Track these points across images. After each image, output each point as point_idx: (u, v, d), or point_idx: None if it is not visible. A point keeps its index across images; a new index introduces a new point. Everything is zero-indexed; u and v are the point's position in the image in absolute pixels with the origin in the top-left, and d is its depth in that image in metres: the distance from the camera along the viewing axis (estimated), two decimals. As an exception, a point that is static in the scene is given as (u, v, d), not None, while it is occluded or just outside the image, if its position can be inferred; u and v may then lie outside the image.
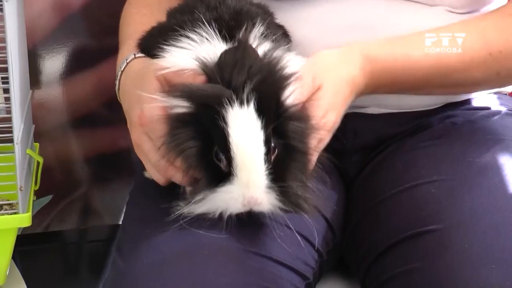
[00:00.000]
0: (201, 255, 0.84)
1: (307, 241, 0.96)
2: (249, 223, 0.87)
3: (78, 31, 1.56)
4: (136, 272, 0.84)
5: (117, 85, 1.03)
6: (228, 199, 0.82)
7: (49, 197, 1.66)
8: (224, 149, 0.81)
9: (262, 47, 0.85)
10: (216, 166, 0.82)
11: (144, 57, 0.99)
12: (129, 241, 0.93)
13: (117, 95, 1.03)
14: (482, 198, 0.91)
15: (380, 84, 0.99)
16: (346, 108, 0.96)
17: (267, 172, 0.82)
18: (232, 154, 0.81)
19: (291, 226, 0.90)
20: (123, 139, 1.65)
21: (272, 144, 0.82)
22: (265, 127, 0.81)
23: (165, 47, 0.87)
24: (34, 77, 1.50)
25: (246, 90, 0.79)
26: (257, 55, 0.83)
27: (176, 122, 0.83)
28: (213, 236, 0.85)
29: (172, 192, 0.90)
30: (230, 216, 0.84)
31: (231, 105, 0.80)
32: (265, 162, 0.81)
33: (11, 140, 0.97)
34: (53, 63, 1.56)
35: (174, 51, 0.86)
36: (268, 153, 0.82)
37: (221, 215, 0.84)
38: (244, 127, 0.81)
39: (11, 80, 0.94)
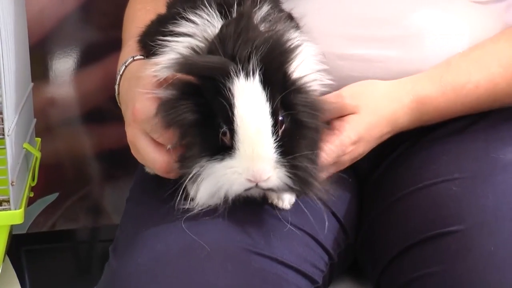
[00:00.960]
0: (199, 254, 0.81)
1: (316, 241, 0.93)
2: (251, 219, 0.85)
3: (85, 24, 1.54)
4: (129, 272, 0.81)
5: (116, 90, 1.01)
6: (231, 174, 0.79)
7: (55, 194, 1.63)
8: (227, 121, 0.79)
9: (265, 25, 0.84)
10: (215, 141, 0.80)
11: (143, 58, 0.97)
12: (125, 240, 0.90)
13: (117, 100, 1.02)
14: (507, 197, 0.87)
15: (426, 119, 0.99)
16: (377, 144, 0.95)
17: (274, 145, 0.79)
18: (236, 126, 0.79)
19: (299, 225, 0.88)
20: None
21: (280, 117, 0.80)
22: (272, 99, 0.79)
23: (164, 38, 0.86)
24: (40, 71, 1.50)
25: (252, 62, 0.78)
26: (259, 28, 0.81)
27: (176, 93, 0.80)
28: (212, 234, 0.82)
29: (173, 187, 0.86)
30: (233, 198, 0.81)
31: (237, 77, 0.78)
32: (272, 134, 0.79)
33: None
34: (60, 57, 1.55)
35: (172, 43, 0.85)
36: (275, 126, 0.79)
37: (224, 204, 0.81)
38: (249, 98, 0.79)
39: (1, 71, 0.92)
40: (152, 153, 0.87)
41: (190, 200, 0.83)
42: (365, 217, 1.03)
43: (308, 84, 0.84)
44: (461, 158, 0.96)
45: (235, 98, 0.78)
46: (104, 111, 1.63)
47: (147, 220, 0.88)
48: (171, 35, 0.86)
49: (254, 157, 0.79)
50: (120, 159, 1.65)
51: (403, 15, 1.00)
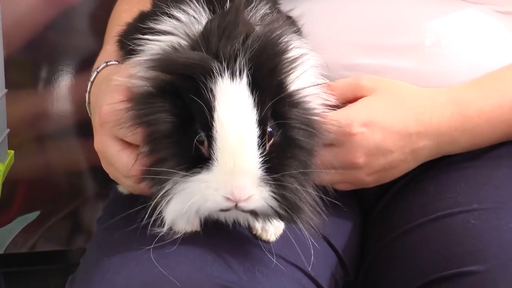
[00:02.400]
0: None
1: (309, 277, 0.84)
2: (232, 249, 0.78)
3: (71, 30, 1.45)
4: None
5: (87, 98, 0.95)
6: (205, 189, 0.70)
7: (37, 213, 1.54)
8: (205, 127, 0.70)
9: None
10: (190, 150, 0.71)
11: (118, 63, 0.92)
12: (84, 271, 0.83)
13: (88, 110, 0.96)
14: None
15: (471, 128, 0.90)
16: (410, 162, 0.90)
17: (260, 159, 0.71)
18: (215, 133, 0.70)
19: (288, 257, 0.81)
20: None
21: (269, 129, 0.71)
22: (260, 105, 0.71)
23: (143, 36, 0.79)
24: (22, 79, 1.44)
25: (239, 61, 0.70)
26: (251, 23, 0.74)
27: (151, 89, 0.73)
28: (185, 266, 0.75)
29: (144, 208, 0.76)
30: (208, 221, 0.74)
31: (220, 76, 0.70)
32: (258, 146, 0.70)
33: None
34: (44, 65, 1.46)
35: (151, 42, 0.78)
36: (262, 137, 0.71)
37: (197, 227, 0.75)
38: (233, 101, 0.70)
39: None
40: (124, 157, 0.79)
41: (163, 224, 0.75)
42: (368, 252, 0.94)
43: (307, 99, 0.76)
44: (481, 186, 0.88)
45: (216, 100, 0.70)
46: (89, 124, 1.50)
47: (112, 248, 0.80)
48: (151, 33, 0.78)
49: (235, 170, 0.70)
50: (107, 176, 1.55)
51: (418, 21, 0.94)
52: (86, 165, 1.54)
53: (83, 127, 1.49)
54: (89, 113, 0.96)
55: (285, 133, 0.73)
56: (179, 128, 0.72)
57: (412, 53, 0.93)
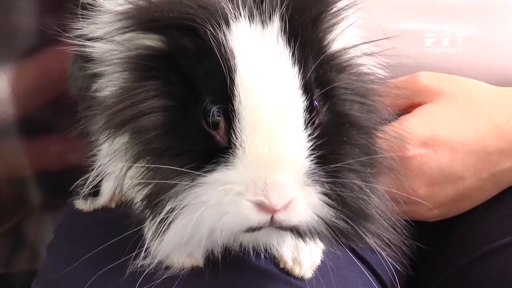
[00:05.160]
0: None
1: None
2: None
3: (13, 7, 1.27)
4: None
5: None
6: (223, 196, 0.54)
7: None
8: (221, 98, 0.55)
9: None
10: (199, 140, 0.56)
11: None
12: None
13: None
14: None
15: None
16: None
17: (307, 144, 0.54)
18: (238, 105, 0.54)
19: None
20: (74, 152, 1.32)
21: (315, 103, 0.56)
22: (303, 64, 0.56)
23: None
24: None
25: (267, 1, 0.56)
26: None
27: (128, 76, 0.59)
28: None
29: (118, 232, 0.60)
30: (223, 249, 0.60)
31: (238, 21, 0.55)
32: (305, 125, 0.55)
33: None
34: None
35: None
36: (311, 113, 0.55)
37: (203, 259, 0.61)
38: (262, 58, 0.55)
39: None
40: None
41: (146, 254, 0.59)
42: (432, 274, 0.79)
43: (356, 62, 0.62)
44: None
45: (236, 57, 0.54)
46: (39, 120, 1.35)
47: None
48: None
49: (271, 160, 0.52)
50: (60, 183, 1.38)
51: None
52: (31, 170, 1.36)
53: (27, 125, 1.33)
54: None
55: (333, 108, 0.58)
56: (178, 114, 0.57)
57: (471, 16, 0.83)
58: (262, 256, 0.65)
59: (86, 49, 0.63)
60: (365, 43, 0.63)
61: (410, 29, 0.83)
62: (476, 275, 0.74)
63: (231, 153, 0.54)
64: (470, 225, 0.79)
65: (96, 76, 0.64)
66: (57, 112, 1.35)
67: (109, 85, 0.61)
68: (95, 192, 0.74)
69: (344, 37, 0.62)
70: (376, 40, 0.65)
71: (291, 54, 0.55)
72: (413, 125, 0.71)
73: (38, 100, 1.33)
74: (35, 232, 1.41)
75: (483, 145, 0.74)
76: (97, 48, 0.62)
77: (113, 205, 0.73)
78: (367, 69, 0.64)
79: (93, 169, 0.64)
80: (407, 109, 0.74)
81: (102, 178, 0.74)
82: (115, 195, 0.71)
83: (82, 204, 0.78)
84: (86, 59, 0.65)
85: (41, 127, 1.36)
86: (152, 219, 0.56)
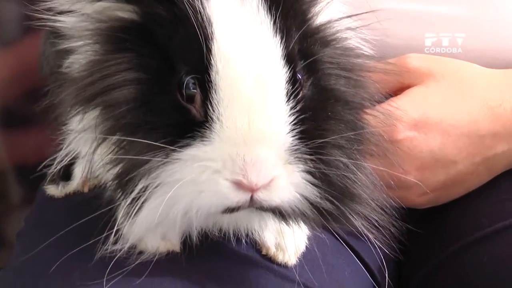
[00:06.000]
0: None
1: None
2: (230, 281, 0.60)
3: None
4: None
5: None
6: (199, 173, 0.51)
7: None
8: (198, 67, 0.52)
9: None
10: (173, 114, 0.53)
11: None
12: None
13: None
14: None
15: None
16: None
17: (289, 118, 0.52)
18: (214, 75, 0.51)
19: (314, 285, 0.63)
20: (52, 146, 1.33)
21: (299, 76, 0.54)
22: (285, 33, 0.53)
23: None
24: None
25: None
26: None
27: (99, 48, 0.56)
28: None
29: (90, 220, 0.57)
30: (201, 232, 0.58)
31: None
32: (287, 98, 0.52)
33: None
34: None
35: None
36: (293, 85, 0.53)
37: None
38: (242, 25, 0.52)
39: None
40: None
41: (121, 241, 0.56)
42: (422, 263, 0.77)
43: (341, 36, 0.59)
44: None
45: (214, 24, 0.52)
46: (15, 112, 1.32)
47: (40, 281, 0.61)
48: None
49: (250, 134, 0.50)
50: (37, 178, 1.38)
51: None
52: (9, 163, 1.33)
53: (4, 115, 1.31)
54: None
55: (318, 82, 0.56)
56: (152, 87, 0.54)
57: None
58: (244, 242, 0.63)
59: (56, 24, 0.60)
60: (349, 16, 0.61)
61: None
62: (468, 262, 0.72)
63: (207, 127, 0.51)
64: (461, 210, 0.77)
65: (68, 52, 0.60)
66: (35, 103, 1.39)
67: (80, 60, 0.57)
68: (66, 176, 0.70)
69: (329, 11, 0.60)
70: (360, 14, 0.62)
71: (272, 23, 0.53)
72: (403, 105, 0.69)
73: (15, 91, 1.30)
74: (14, 229, 1.40)
75: (476, 128, 0.72)
76: (67, 23, 0.60)
77: (85, 190, 0.69)
78: (354, 44, 0.61)
79: (61, 149, 0.60)
80: (395, 92, 0.72)
81: (74, 161, 0.71)
82: (88, 179, 0.67)
83: (53, 190, 0.75)
84: (57, 34, 0.62)
85: (19, 119, 1.33)
86: (124, 198, 0.53)
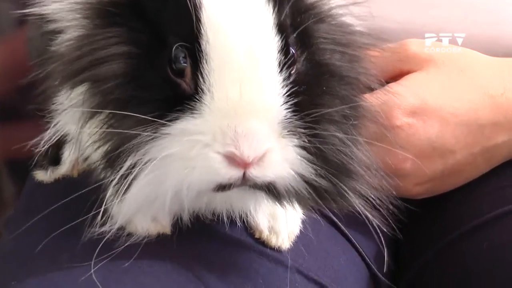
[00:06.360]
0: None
1: None
2: (221, 265, 0.58)
3: None
4: None
5: None
6: (189, 148, 0.49)
7: None
8: (188, 40, 0.50)
9: None
10: (163, 88, 0.51)
11: None
12: None
13: None
14: None
15: None
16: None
17: (282, 90, 0.50)
18: (205, 45, 0.48)
19: (308, 271, 0.61)
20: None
21: (292, 51, 0.52)
22: (278, 5, 0.51)
23: None
24: None
25: None
26: None
27: (88, 22, 0.54)
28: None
29: (79, 202, 0.55)
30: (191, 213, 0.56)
31: None
32: (280, 69, 0.50)
33: None
34: None
35: None
36: (286, 56, 0.50)
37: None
38: None
39: None
40: None
41: (109, 222, 0.55)
42: (417, 254, 0.75)
43: (337, 12, 0.58)
44: None
45: None
46: (7, 106, 1.27)
47: (27, 264, 0.59)
48: None
49: (241, 106, 0.48)
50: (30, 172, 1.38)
51: None
52: (1, 158, 1.30)
53: None
54: None
55: (312, 57, 0.54)
56: (142, 62, 0.52)
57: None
58: (237, 225, 0.61)
59: (44, 11, 0.59)
60: None
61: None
62: (468, 249, 0.70)
63: (198, 99, 0.49)
64: (462, 197, 0.75)
65: (56, 33, 0.58)
66: (26, 98, 1.37)
67: (68, 36, 0.55)
68: (55, 161, 0.67)
69: None
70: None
71: None
72: (401, 92, 0.66)
73: (8, 85, 1.26)
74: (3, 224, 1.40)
75: (476, 116, 0.69)
76: (55, 9, 0.58)
77: (75, 174, 0.67)
78: (350, 17, 0.59)
79: (49, 128, 0.58)
80: (395, 78, 0.70)
81: (63, 145, 0.70)
82: (77, 163, 0.65)
83: (42, 175, 0.73)
84: (44, 18, 0.60)
85: (11, 113, 1.27)
86: (112, 176, 0.50)
